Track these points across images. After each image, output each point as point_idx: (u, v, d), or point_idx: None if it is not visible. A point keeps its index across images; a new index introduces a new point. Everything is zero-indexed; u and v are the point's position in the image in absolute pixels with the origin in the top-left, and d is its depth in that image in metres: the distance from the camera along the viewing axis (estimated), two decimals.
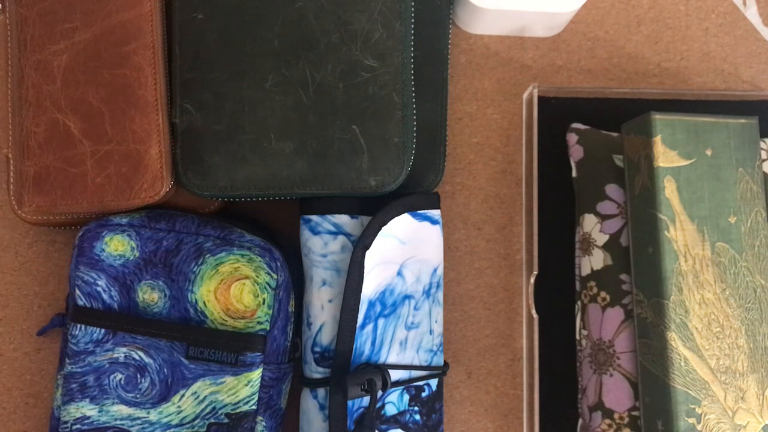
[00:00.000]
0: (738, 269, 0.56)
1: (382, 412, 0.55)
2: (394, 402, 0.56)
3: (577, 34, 0.67)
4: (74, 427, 0.54)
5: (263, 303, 0.54)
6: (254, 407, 0.54)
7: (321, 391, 0.56)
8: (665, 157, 0.56)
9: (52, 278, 0.63)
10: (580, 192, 0.61)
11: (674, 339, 0.54)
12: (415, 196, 0.57)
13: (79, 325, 0.54)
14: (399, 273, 0.57)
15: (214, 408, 0.54)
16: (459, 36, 0.66)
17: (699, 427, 0.53)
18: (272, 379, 0.55)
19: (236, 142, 0.56)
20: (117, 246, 0.55)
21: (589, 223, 0.60)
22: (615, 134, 0.62)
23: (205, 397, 0.54)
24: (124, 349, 0.54)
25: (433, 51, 0.62)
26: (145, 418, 0.54)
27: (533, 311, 0.61)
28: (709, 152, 0.57)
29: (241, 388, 0.53)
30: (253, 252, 0.54)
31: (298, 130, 0.56)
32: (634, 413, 0.57)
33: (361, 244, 0.54)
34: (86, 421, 0.54)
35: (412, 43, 0.57)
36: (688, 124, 0.57)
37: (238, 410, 0.53)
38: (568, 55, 0.67)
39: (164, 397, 0.54)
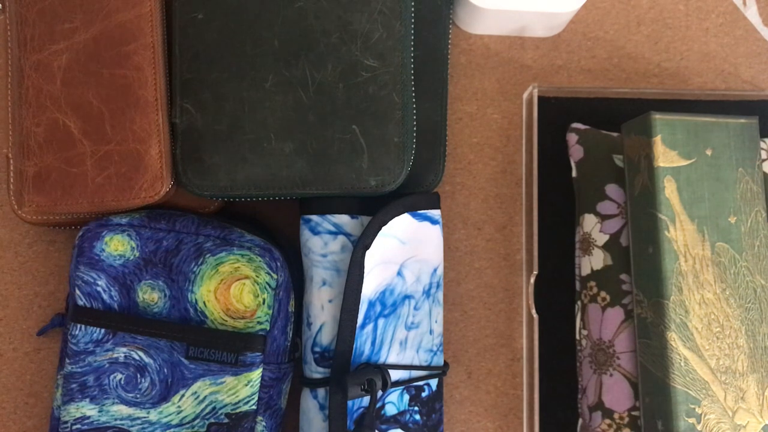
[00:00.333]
0: (738, 269, 0.56)
1: (382, 412, 0.55)
2: (394, 402, 0.56)
3: (577, 34, 0.67)
4: (74, 427, 0.54)
5: (263, 303, 0.54)
6: (254, 407, 0.54)
7: (321, 391, 0.56)
8: (665, 157, 0.56)
9: (52, 278, 0.63)
10: (580, 192, 0.61)
11: (674, 339, 0.54)
12: (415, 196, 0.57)
13: (79, 325, 0.54)
14: (399, 273, 0.57)
15: (214, 408, 0.54)
16: (459, 36, 0.66)
17: (699, 427, 0.53)
18: (272, 379, 0.55)
19: (236, 142, 0.56)
20: (117, 246, 0.55)
21: (589, 223, 0.60)
22: (615, 134, 0.62)
23: (205, 397, 0.54)
24: (124, 349, 0.54)
25: (433, 51, 0.62)
26: (145, 418, 0.54)
27: (533, 311, 0.61)
28: (709, 152, 0.57)
29: (241, 388, 0.53)
30: (253, 252, 0.54)
31: (298, 130, 0.56)
32: (634, 413, 0.57)
33: (361, 244, 0.54)
34: (86, 421, 0.54)
35: (412, 43, 0.57)
36: (688, 124, 0.57)
37: (238, 410, 0.53)
38: (568, 55, 0.67)
39: (164, 397, 0.54)
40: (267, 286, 0.54)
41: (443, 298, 0.64)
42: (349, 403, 0.54)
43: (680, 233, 0.55)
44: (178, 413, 0.54)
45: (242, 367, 0.53)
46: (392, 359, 0.56)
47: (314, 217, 0.57)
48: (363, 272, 0.54)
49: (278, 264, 0.54)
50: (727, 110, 0.65)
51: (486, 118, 0.66)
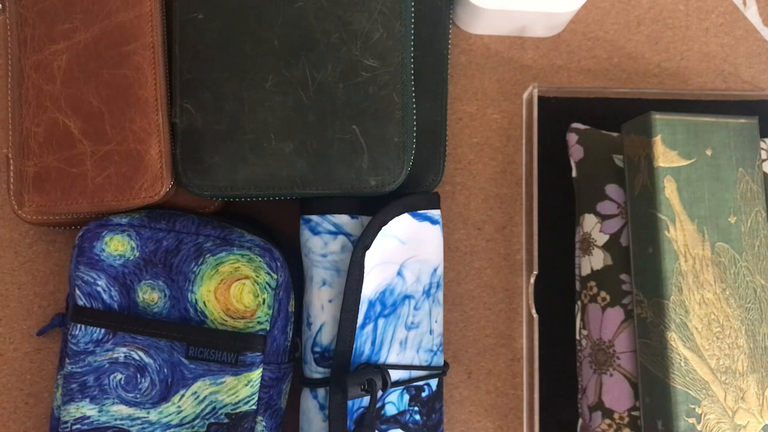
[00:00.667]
0: (738, 269, 0.56)
1: (382, 412, 0.55)
2: (394, 402, 0.56)
3: (577, 34, 0.67)
4: (74, 427, 0.54)
5: (263, 303, 0.54)
6: (254, 407, 0.54)
7: (321, 391, 0.56)
8: (665, 157, 0.56)
9: (52, 278, 0.63)
10: (580, 192, 0.61)
11: (674, 339, 0.54)
12: (415, 196, 0.57)
13: (79, 325, 0.54)
14: (399, 273, 0.57)
15: (214, 408, 0.54)
16: (459, 36, 0.66)
17: (699, 427, 0.53)
18: (272, 379, 0.55)
19: (236, 142, 0.56)
20: (117, 246, 0.55)
21: (589, 223, 0.60)
22: (615, 134, 0.62)
23: (205, 397, 0.54)
24: (124, 349, 0.54)
25: (433, 51, 0.62)
26: (145, 418, 0.54)
27: (533, 311, 0.61)
28: (709, 152, 0.57)
29: (241, 388, 0.53)
30: (253, 252, 0.54)
31: (298, 130, 0.56)
32: (634, 413, 0.57)
33: (361, 244, 0.54)
34: (86, 421, 0.54)
35: (412, 43, 0.57)
36: (688, 124, 0.57)
37: (238, 410, 0.53)
38: (568, 55, 0.67)
39: (164, 397, 0.54)
40: (267, 286, 0.54)
41: (443, 298, 0.64)
42: (349, 403, 0.54)
43: (680, 233, 0.55)
44: (178, 413, 0.54)
45: (242, 367, 0.53)
46: (392, 359, 0.56)
47: (314, 217, 0.57)
48: (363, 272, 0.54)
49: (278, 264, 0.54)
50: (727, 110, 0.65)
51: (486, 118, 0.66)
